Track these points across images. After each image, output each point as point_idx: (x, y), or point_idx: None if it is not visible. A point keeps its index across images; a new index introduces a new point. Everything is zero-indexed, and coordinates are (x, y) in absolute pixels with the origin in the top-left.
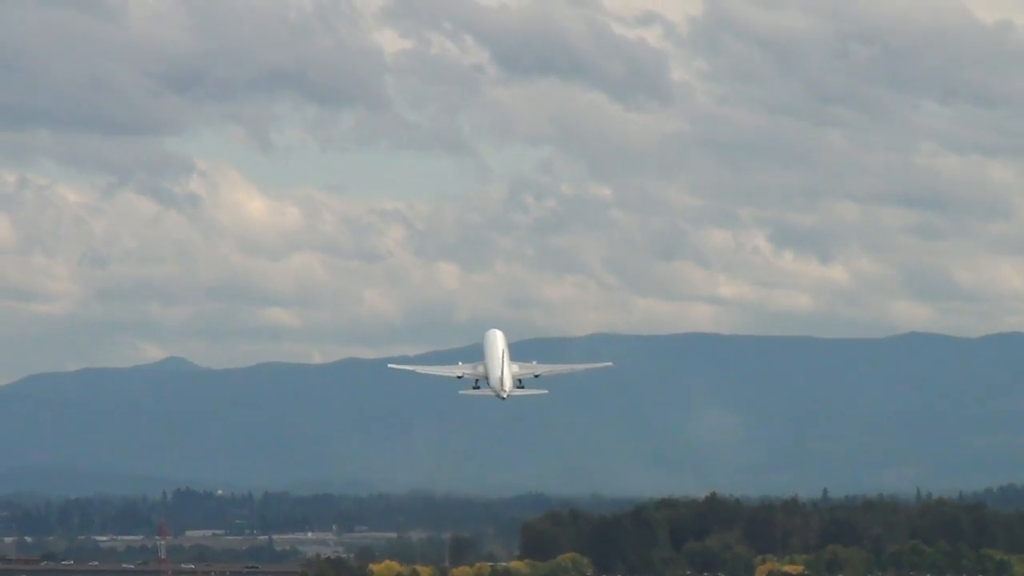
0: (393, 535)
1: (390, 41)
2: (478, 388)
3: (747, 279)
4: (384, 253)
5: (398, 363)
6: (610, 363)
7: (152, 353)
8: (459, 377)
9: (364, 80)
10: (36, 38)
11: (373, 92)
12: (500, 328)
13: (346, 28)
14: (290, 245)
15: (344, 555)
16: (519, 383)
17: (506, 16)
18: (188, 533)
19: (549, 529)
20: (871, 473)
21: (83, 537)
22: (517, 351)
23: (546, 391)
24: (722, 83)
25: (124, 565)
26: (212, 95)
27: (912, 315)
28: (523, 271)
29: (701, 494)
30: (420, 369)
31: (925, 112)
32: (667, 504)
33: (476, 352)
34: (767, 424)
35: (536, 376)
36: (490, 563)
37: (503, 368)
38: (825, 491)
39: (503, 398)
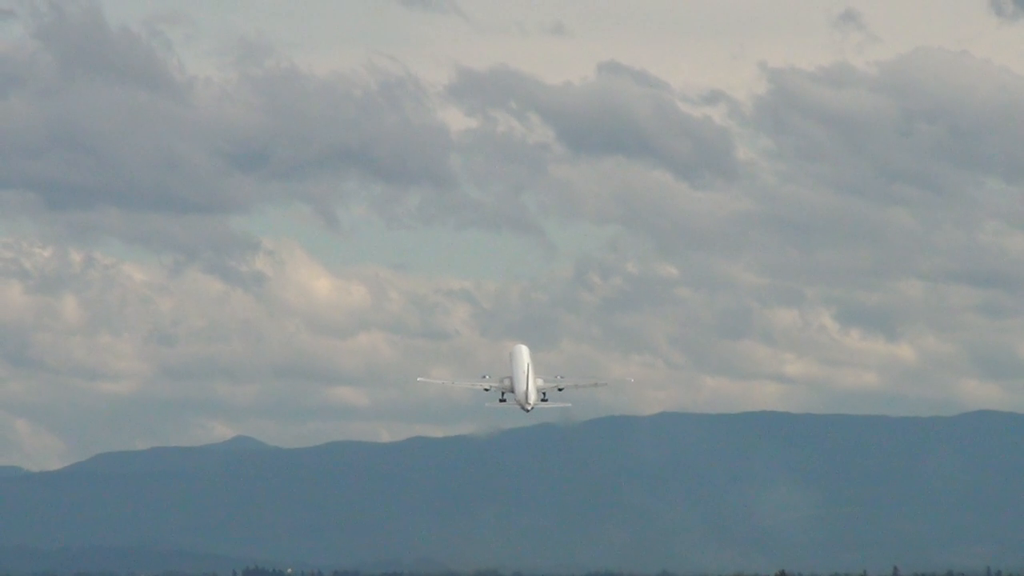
0: None
1: (456, 119)
2: (504, 400)
3: (814, 357)
4: (450, 332)
5: (430, 379)
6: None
7: (220, 431)
8: (486, 390)
9: (430, 158)
10: (103, 117)
11: (439, 170)
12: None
13: (412, 106)
14: (357, 324)
15: None
16: (543, 396)
17: (571, 95)
18: None
19: None
20: (941, 551)
21: None
22: (586, 429)
23: (570, 405)
24: (787, 161)
25: None
26: (278, 173)
27: (979, 393)
28: (590, 349)
29: (770, 572)
30: (449, 383)
31: (990, 190)
32: None
33: (544, 433)
34: (836, 502)
35: (560, 389)
36: None
37: (528, 382)
38: (895, 569)
39: (527, 410)
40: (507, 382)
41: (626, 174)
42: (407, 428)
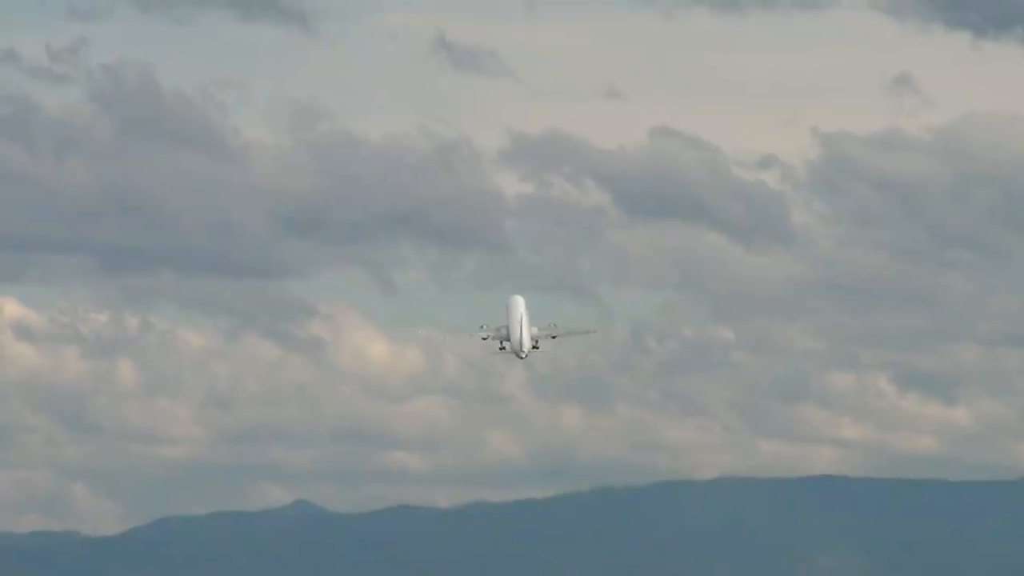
0: None
1: (510, 184)
2: (504, 348)
3: (871, 421)
4: (506, 396)
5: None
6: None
7: (278, 496)
8: (484, 339)
9: (485, 222)
10: (158, 181)
11: (494, 234)
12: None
13: (466, 171)
14: (413, 388)
15: None
16: (535, 344)
17: (625, 159)
18: None
19: None
20: None
21: None
22: (642, 493)
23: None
24: (842, 226)
25: None
26: (333, 238)
27: None
28: (646, 413)
29: None
30: (449, 336)
31: None
32: None
33: (601, 497)
34: (894, 566)
35: (553, 338)
36: None
37: (522, 331)
38: None
39: (522, 357)
40: (503, 331)
41: (681, 238)
42: (466, 493)
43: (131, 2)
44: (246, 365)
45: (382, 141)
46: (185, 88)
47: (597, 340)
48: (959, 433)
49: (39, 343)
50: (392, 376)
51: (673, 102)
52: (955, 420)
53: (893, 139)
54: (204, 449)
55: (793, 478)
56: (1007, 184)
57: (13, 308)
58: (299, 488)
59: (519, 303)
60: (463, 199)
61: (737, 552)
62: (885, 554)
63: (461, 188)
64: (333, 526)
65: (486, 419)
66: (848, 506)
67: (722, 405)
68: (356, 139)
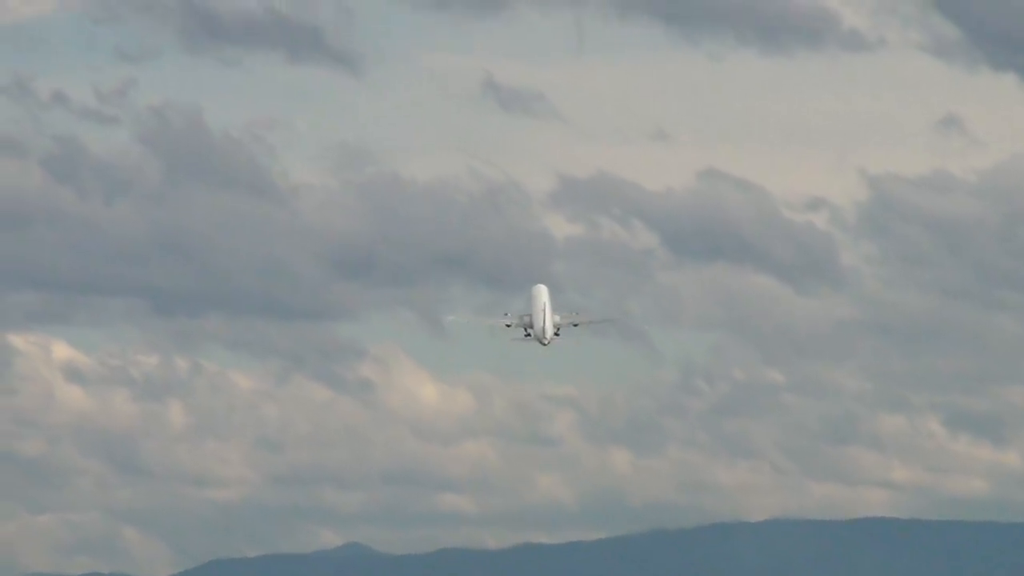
0: None
1: (559, 226)
2: (529, 336)
3: (921, 463)
4: (556, 438)
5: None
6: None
7: (329, 538)
8: (508, 326)
9: (534, 264)
10: (207, 223)
11: (543, 276)
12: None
13: (515, 213)
14: (463, 430)
15: None
16: (557, 331)
17: (674, 201)
18: None
19: None
20: None
21: None
22: (693, 535)
23: (579, 337)
24: (891, 267)
25: None
26: (383, 280)
27: None
28: (696, 456)
29: None
30: (475, 320)
31: None
32: None
33: (652, 539)
34: None
35: (575, 325)
36: None
37: (545, 318)
38: None
39: (545, 344)
40: (527, 319)
41: (730, 280)
42: (515, 535)
43: (179, 44)
44: (296, 407)
45: (430, 183)
46: (233, 130)
47: (647, 383)
48: (1009, 475)
49: (89, 385)
50: (442, 418)
51: (721, 144)
52: (1005, 462)
53: (941, 180)
54: (254, 491)
55: (843, 520)
56: None
57: (63, 350)
58: (350, 530)
59: (542, 291)
60: (512, 241)
61: None
62: None
63: (509, 230)
64: (384, 568)
65: (536, 461)
66: (898, 548)
67: (772, 447)
68: (404, 181)
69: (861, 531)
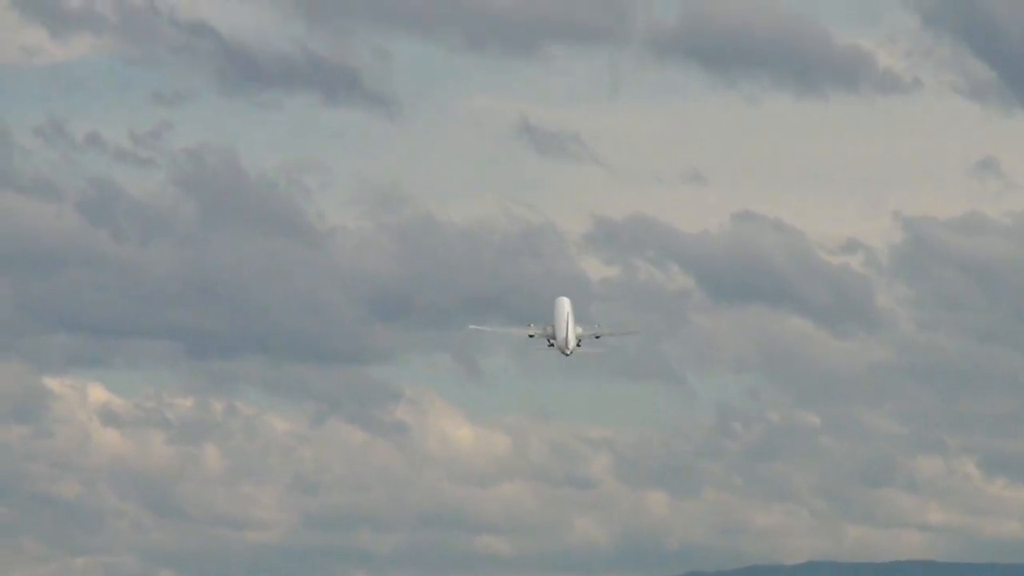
0: None
1: (594, 268)
2: (552, 345)
3: (958, 505)
4: (592, 480)
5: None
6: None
7: None
8: (531, 336)
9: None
10: (243, 266)
11: (579, 318)
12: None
13: (551, 254)
14: (499, 472)
15: None
16: (579, 343)
17: (709, 243)
18: None
19: None
20: None
21: None
22: None
23: (604, 351)
24: (926, 309)
25: None
26: (418, 322)
27: None
28: (732, 498)
29: None
30: (499, 330)
31: None
32: None
33: None
34: None
35: (597, 337)
36: None
37: (568, 330)
38: None
39: (567, 354)
40: (550, 329)
41: (766, 322)
42: None
43: (215, 86)
44: (332, 450)
45: (466, 225)
46: (269, 172)
47: (683, 425)
48: None
49: (125, 428)
50: (478, 460)
51: (756, 186)
52: None
53: (976, 223)
54: (290, 534)
55: (880, 563)
56: None
57: (99, 393)
58: (385, 572)
59: (565, 303)
60: (547, 283)
61: None
62: None
63: (545, 272)
64: None
65: (572, 503)
66: None
67: (809, 490)
68: (440, 223)
69: (897, 574)
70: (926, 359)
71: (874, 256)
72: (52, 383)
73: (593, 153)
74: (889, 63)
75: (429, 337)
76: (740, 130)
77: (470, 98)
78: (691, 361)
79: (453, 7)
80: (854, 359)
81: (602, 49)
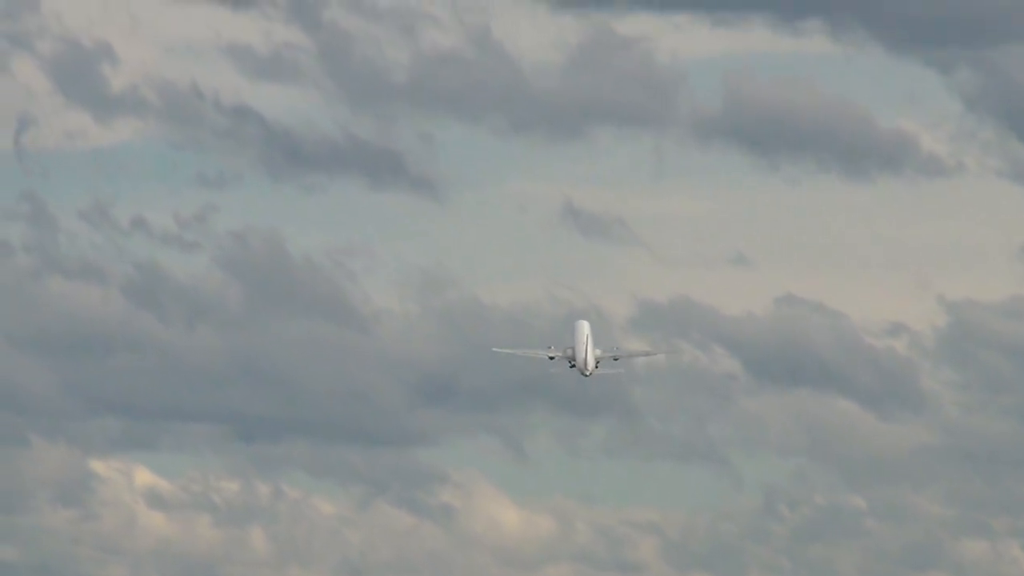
0: None
1: (638, 350)
2: (573, 367)
3: None
4: (639, 563)
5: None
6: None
7: None
8: (551, 358)
9: (615, 390)
10: (288, 349)
11: (624, 401)
12: None
13: (596, 337)
14: (545, 556)
15: None
16: (597, 364)
17: (754, 326)
18: None
19: None
20: None
21: None
22: None
23: (623, 371)
24: (971, 393)
25: None
26: (464, 405)
27: None
28: None
29: None
30: (519, 351)
31: None
32: None
33: None
34: None
35: (615, 359)
36: None
37: (587, 352)
38: None
39: (586, 375)
40: (569, 351)
41: (811, 405)
42: None
43: (260, 169)
44: (378, 533)
45: (510, 308)
46: (314, 255)
47: (729, 508)
48: None
49: (171, 511)
50: (524, 543)
51: (800, 268)
52: None
53: (1020, 307)
54: None
55: None
56: None
57: (145, 476)
58: None
59: (584, 326)
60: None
61: None
62: None
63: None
64: None
65: None
66: None
67: (855, 572)
68: (485, 306)
69: None
70: (971, 442)
71: (918, 339)
72: (98, 466)
73: (637, 236)
74: (933, 147)
75: (474, 420)
76: (783, 212)
77: (514, 181)
78: (737, 443)
79: (496, 90)
80: (899, 442)
81: (646, 132)
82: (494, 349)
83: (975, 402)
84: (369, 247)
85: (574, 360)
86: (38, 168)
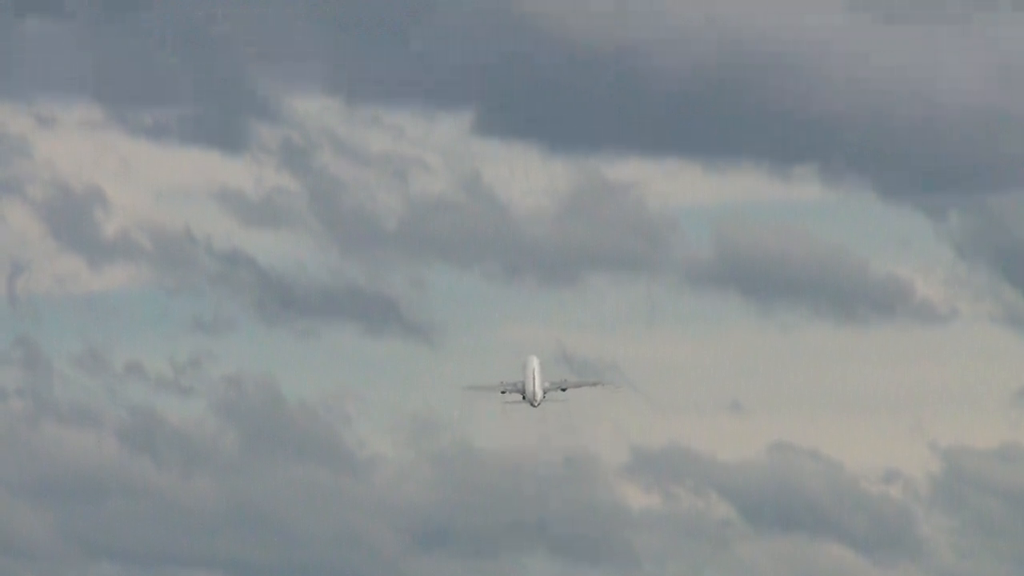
0: None
1: (634, 497)
2: (524, 399)
3: None
4: None
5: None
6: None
7: None
8: (503, 392)
9: (610, 535)
10: (284, 495)
11: (619, 548)
12: None
13: (590, 483)
14: None
15: None
16: (544, 395)
17: (749, 472)
18: None
19: None
20: None
21: None
22: None
23: (567, 400)
24: (966, 537)
25: None
26: (458, 551)
27: None
28: None
29: None
30: (478, 386)
31: None
32: None
33: None
34: None
35: (563, 390)
36: None
37: (535, 384)
38: None
39: (535, 406)
40: (520, 384)
41: (807, 551)
42: None
43: (254, 315)
44: None
45: (504, 453)
46: (308, 400)
47: None
48: None
49: None
50: None
51: (794, 415)
52: None
53: (1012, 453)
54: None
55: None
56: None
57: None
58: None
59: (533, 360)
60: (587, 512)
61: None
62: None
63: (585, 501)
64: None
65: None
66: None
67: None
68: (479, 451)
69: None
70: None
71: (913, 485)
72: None
73: (630, 382)
74: (926, 292)
75: (469, 565)
76: (777, 358)
77: (507, 326)
78: None
79: (488, 236)
80: None
81: (639, 277)
82: (463, 388)
83: (970, 547)
84: (363, 392)
85: (524, 392)
86: (31, 313)
